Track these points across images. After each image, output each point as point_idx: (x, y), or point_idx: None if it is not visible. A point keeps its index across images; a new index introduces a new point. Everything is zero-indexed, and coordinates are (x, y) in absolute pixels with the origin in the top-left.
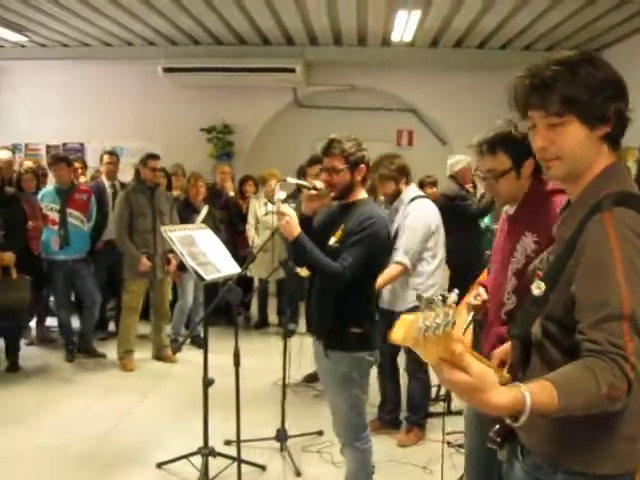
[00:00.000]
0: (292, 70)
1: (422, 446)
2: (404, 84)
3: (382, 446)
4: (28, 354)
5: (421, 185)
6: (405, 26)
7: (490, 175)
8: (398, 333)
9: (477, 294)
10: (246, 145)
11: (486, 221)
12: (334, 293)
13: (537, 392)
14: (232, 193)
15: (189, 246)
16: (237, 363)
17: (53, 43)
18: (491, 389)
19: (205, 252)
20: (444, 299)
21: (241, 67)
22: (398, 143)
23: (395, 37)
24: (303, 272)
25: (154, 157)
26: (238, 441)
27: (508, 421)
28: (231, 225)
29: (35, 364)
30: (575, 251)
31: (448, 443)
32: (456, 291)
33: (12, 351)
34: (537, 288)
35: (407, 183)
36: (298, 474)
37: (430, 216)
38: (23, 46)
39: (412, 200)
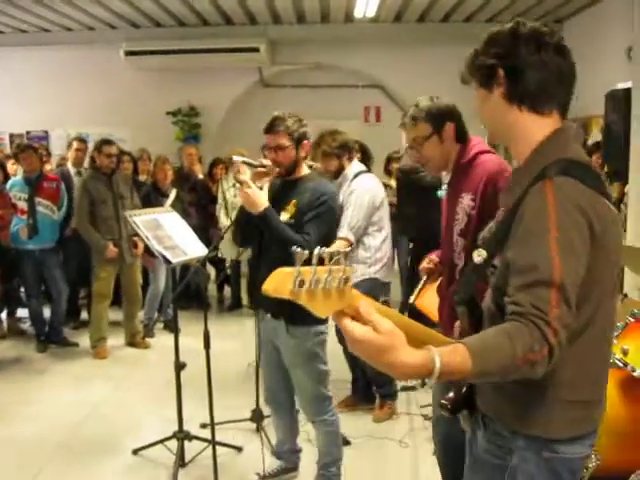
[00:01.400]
0: (256, 50)
1: (397, 420)
2: (369, 60)
3: (359, 422)
4: (0, 346)
5: (389, 160)
6: (367, 2)
7: (415, 144)
8: (269, 284)
9: (429, 259)
10: (213, 127)
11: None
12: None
13: (447, 354)
14: (201, 176)
15: (154, 230)
16: (207, 345)
17: (10, 29)
18: (400, 348)
19: (171, 235)
20: (331, 257)
21: (204, 48)
22: (366, 120)
23: (358, 13)
24: (243, 256)
25: (108, 143)
26: (212, 424)
27: (414, 383)
28: (201, 208)
29: (7, 356)
30: (515, 219)
31: (424, 416)
32: (348, 249)
33: None
34: (478, 255)
35: (350, 159)
36: (275, 454)
37: (374, 191)
38: None
39: (356, 176)
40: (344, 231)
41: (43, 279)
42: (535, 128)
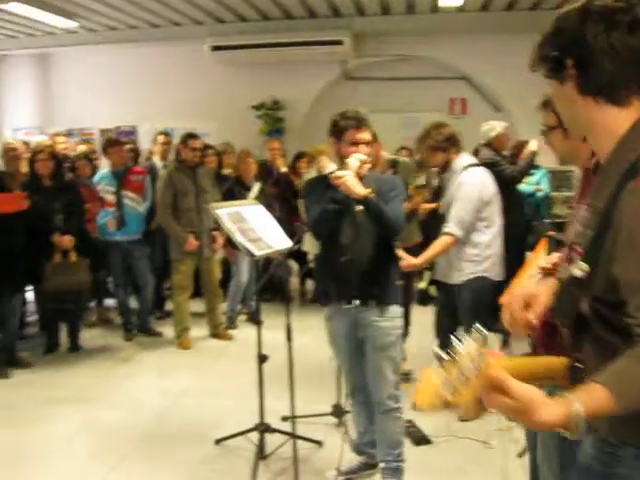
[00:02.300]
0: (340, 42)
1: (483, 420)
2: (455, 51)
3: (441, 420)
4: (89, 335)
5: (476, 153)
6: None
7: (545, 129)
8: (423, 401)
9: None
10: (297, 120)
11: (545, 188)
12: (382, 248)
13: (586, 399)
14: (284, 169)
15: (238, 222)
16: (289, 338)
17: (102, 27)
18: (539, 408)
19: (255, 228)
20: (466, 345)
21: (288, 42)
22: (451, 112)
23: (444, 3)
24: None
25: (193, 137)
26: (293, 417)
27: (563, 433)
28: (284, 201)
29: (95, 344)
30: (612, 225)
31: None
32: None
33: (73, 332)
34: (579, 269)
35: (457, 152)
36: (355, 449)
37: (484, 185)
38: (74, 32)
39: (464, 169)
40: (450, 226)
41: (130, 270)
42: (615, 120)
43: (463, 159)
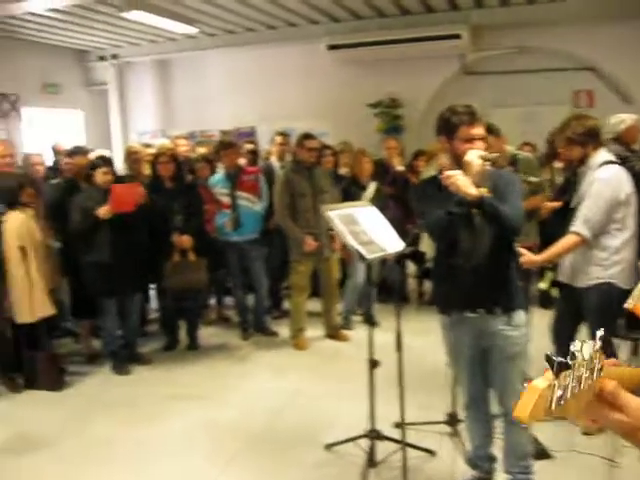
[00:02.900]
0: (457, 36)
1: (609, 434)
2: (579, 40)
3: (563, 433)
4: (207, 332)
5: None
6: None
7: None
8: (523, 410)
9: None
10: (415, 118)
11: None
12: (503, 249)
13: None
14: (401, 168)
15: (350, 225)
16: (399, 346)
17: (220, 32)
18: None
19: (367, 230)
20: (581, 351)
21: (405, 38)
22: (576, 105)
23: None
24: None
25: (309, 137)
26: (403, 425)
27: None
28: (400, 201)
29: (213, 342)
30: None
31: None
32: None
33: (192, 330)
34: None
35: (596, 148)
36: (469, 462)
37: (619, 184)
38: (193, 37)
39: (601, 166)
40: (578, 225)
41: (246, 270)
42: None
43: (601, 155)
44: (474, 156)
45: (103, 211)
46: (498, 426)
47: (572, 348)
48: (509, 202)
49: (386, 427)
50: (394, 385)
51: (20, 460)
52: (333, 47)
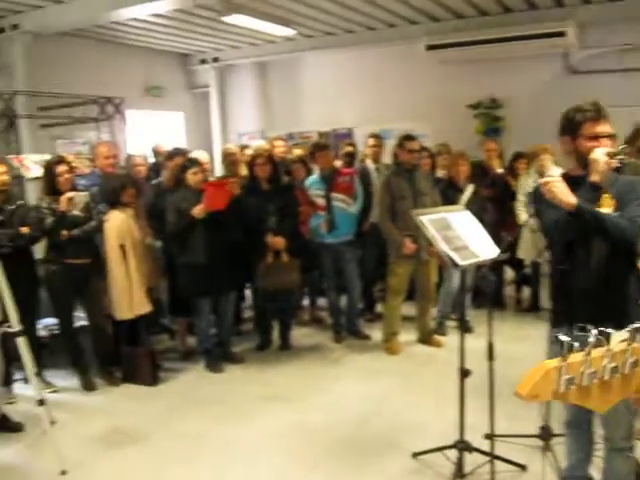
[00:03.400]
0: (562, 34)
1: None
2: None
3: None
4: (300, 333)
5: None
6: None
7: None
8: (525, 387)
9: None
10: (516, 119)
11: None
12: (619, 261)
13: None
14: (500, 170)
15: (443, 229)
16: (490, 356)
17: (319, 33)
18: None
19: (461, 235)
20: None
21: (506, 37)
22: None
23: None
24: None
25: (410, 138)
26: (492, 436)
27: None
28: (498, 204)
29: (305, 343)
30: None
31: None
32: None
33: (284, 331)
34: None
35: None
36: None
37: None
38: (292, 39)
39: None
40: None
41: (340, 272)
42: None
43: None
44: (600, 154)
45: (197, 211)
46: (599, 448)
47: (591, 337)
48: (627, 210)
49: (476, 438)
50: (485, 394)
51: (114, 451)
52: (432, 47)
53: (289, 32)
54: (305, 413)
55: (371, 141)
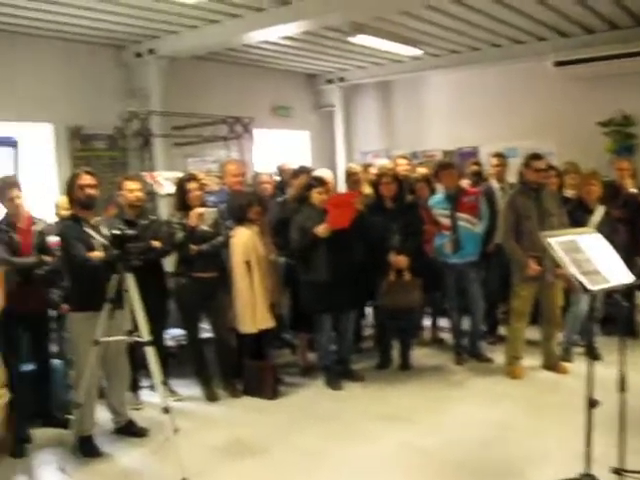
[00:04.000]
0: None
1: None
2: None
3: None
4: (420, 353)
5: None
6: None
7: None
8: None
9: None
10: None
11: None
12: None
13: None
14: (633, 190)
15: (572, 252)
16: (622, 387)
17: (444, 52)
18: None
19: (591, 259)
20: None
21: (638, 51)
22: None
23: None
24: None
25: (537, 157)
26: (621, 471)
27: None
28: (631, 225)
29: (426, 364)
30: None
31: None
32: None
33: (405, 350)
34: None
35: None
36: None
37: None
38: (418, 59)
39: None
40: None
41: (463, 292)
42: None
43: None
44: None
45: (321, 230)
46: None
47: None
48: None
49: (602, 473)
50: (613, 426)
51: (234, 462)
52: (560, 63)
53: (415, 52)
54: (423, 435)
55: (494, 160)
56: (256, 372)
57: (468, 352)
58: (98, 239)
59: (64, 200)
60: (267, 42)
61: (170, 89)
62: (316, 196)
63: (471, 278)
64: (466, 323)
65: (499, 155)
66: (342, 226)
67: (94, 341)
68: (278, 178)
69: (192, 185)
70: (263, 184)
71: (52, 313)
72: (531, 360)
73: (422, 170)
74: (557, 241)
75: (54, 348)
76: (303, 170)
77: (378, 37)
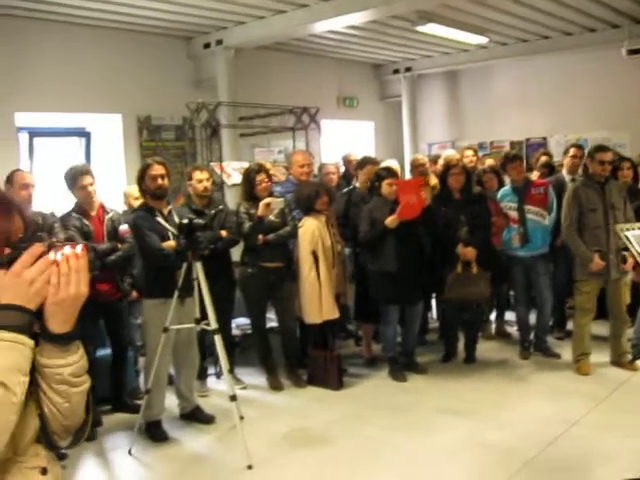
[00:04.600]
0: None
1: None
2: None
3: None
4: (485, 347)
5: None
6: None
7: None
8: None
9: None
10: None
11: None
12: None
13: None
14: None
15: None
16: None
17: (513, 40)
18: None
19: None
20: None
21: None
22: None
23: None
24: None
25: (602, 149)
26: None
27: None
28: None
29: (491, 358)
30: None
31: None
32: None
33: (470, 343)
34: None
35: None
36: None
37: None
38: (484, 47)
39: None
40: None
41: (530, 286)
42: None
43: None
44: None
45: (390, 221)
46: None
47: None
48: None
49: None
50: None
51: (299, 451)
52: (634, 51)
53: (483, 40)
54: (486, 430)
55: (572, 151)
56: (321, 362)
57: (534, 346)
58: (170, 229)
59: (134, 189)
60: (333, 32)
61: (237, 80)
62: (386, 187)
63: (539, 271)
64: (533, 317)
65: (578, 146)
66: (412, 217)
67: (164, 328)
68: (343, 169)
69: (260, 176)
70: (329, 175)
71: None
72: (600, 356)
73: (490, 161)
74: (633, 234)
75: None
76: (368, 161)
77: (445, 25)
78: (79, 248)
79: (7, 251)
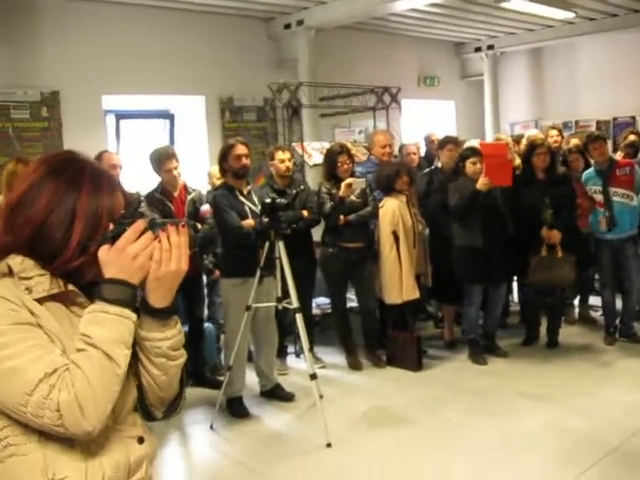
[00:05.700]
0: None
1: None
2: None
3: None
4: (568, 332)
5: None
6: None
7: None
8: None
9: None
10: None
11: None
12: None
13: None
14: None
15: None
16: None
17: (600, 15)
18: None
19: None
20: None
21: None
22: None
23: None
24: None
25: None
26: None
27: None
28: None
29: (574, 343)
30: None
31: None
32: None
33: (553, 327)
34: None
35: None
36: None
37: None
38: (571, 23)
39: None
40: None
41: (618, 269)
42: None
43: None
44: None
45: (481, 182)
46: None
47: None
48: None
49: None
50: None
51: (377, 431)
52: None
53: (569, 15)
54: (567, 416)
55: None
56: (400, 343)
57: (620, 332)
58: (251, 207)
59: (217, 169)
60: (413, 10)
61: (318, 60)
62: (469, 166)
63: (628, 254)
64: (619, 302)
65: None
66: (505, 184)
67: (246, 306)
68: (424, 149)
69: (343, 158)
70: (410, 155)
71: (204, 279)
72: None
73: (575, 141)
74: None
75: (205, 312)
76: (450, 140)
77: (530, 1)
78: (180, 224)
79: (111, 227)
